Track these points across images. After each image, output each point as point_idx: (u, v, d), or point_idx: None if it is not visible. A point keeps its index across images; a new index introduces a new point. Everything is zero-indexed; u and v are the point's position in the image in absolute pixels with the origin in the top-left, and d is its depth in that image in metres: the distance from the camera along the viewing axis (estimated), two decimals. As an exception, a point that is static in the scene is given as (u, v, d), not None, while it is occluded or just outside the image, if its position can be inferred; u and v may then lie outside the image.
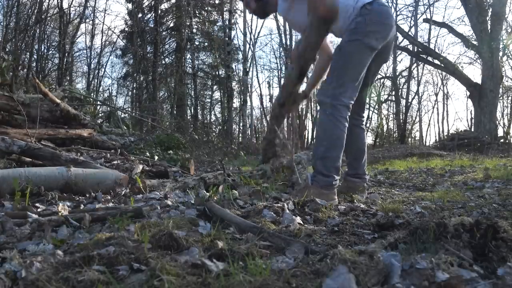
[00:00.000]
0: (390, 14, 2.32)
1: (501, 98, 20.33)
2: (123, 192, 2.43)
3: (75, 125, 5.30)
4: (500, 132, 14.85)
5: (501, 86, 14.76)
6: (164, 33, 21.27)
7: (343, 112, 2.18)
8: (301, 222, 1.57)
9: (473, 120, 14.57)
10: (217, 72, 20.78)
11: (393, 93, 22.83)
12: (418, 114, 25.08)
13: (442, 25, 16.80)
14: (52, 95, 5.15)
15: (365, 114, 2.65)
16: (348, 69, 2.21)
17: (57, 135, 4.76)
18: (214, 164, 5.35)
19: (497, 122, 14.88)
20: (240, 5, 18.81)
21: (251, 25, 29.05)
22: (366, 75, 2.33)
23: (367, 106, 23.46)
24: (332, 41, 2.82)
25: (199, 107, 22.52)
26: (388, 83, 24.00)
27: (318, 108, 2.41)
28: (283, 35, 19.27)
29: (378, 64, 2.49)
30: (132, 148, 5.85)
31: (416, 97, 23.27)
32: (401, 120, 20.31)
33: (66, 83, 16.83)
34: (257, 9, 2.48)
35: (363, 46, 2.19)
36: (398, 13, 21.55)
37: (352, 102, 2.23)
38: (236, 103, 21.11)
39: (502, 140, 12.28)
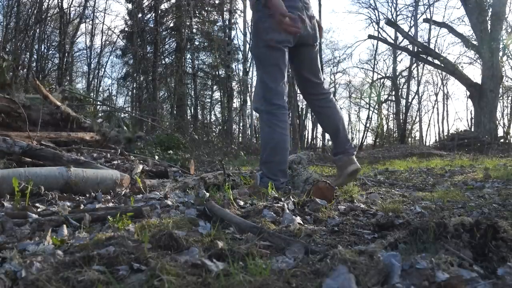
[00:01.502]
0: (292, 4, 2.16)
1: (501, 98, 20.35)
2: (123, 192, 2.43)
3: (75, 128, 5.30)
4: (500, 132, 14.87)
5: (501, 86, 14.76)
6: (164, 33, 21.28)
7: (279, 115, 2.19)
8: (301, 222, 1.57)
9: (473, 120, 14.57)
10: (217, 72, 20.79)
11: (393, 93, 22.85)
12: (418, 114, 25.11)
13: (442, 25, 16.80)
14: (53, 98, 5.16)
15: (325, 87, 2.53)
16: (265, 73, 2.20)
17: (59, 138, 4.76)
18: (214, 164, 5.35)
19: (497, 122, 14.89)
20: (240, 5, 18.85)
21: (251, 25, 29.04)
22: (301, 67, 2.36)
23: (367, 106, 23.32)
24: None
25: (199, 107, 22.54)
26: (388, 83, 24.04)
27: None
28: (283, 35, 19.21)
29: (305, 51, 2.38)
30: (133, 147, 5.86)
31: (416, 97, 23.28)
32: (401, 120, 20.33)
33: (66, 83, 16.82)
34: None
35: (265, 46, 2.15)
36: (398, 13, 21.58)
37: (286, 99, 2.23)
38: (236, 103, 21.14)
39: (502, 140, 12.28)
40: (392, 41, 19.62)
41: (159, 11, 20.40)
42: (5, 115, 4.52)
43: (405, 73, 22.42)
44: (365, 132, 24.11)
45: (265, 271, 0.83)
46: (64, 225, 1.38)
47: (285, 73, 2.25)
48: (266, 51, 2.17)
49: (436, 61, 14.59)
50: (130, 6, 20.72)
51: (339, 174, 2.56)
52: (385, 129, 23.53)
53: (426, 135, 26.66)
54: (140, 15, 20.49)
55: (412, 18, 20.60)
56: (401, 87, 22.66)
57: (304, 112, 20.68)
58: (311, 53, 2.44)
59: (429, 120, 29.89)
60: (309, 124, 23.03)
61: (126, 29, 21.42)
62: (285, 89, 2.25)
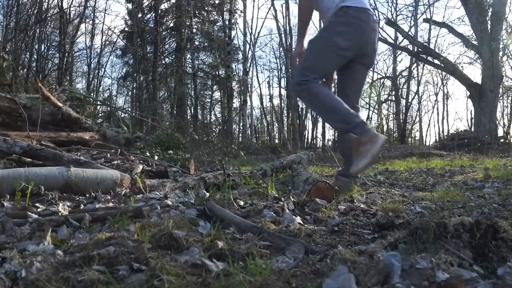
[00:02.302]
0: (366, 19, 2.37)
1: (501, 98, 20.34)
2: (123, 192, 2.43)
3: (76, 128, 5.30)
4: (500, 132, 14.86)
5: (501, 86, 14.75)
6: (164, 33, 21.27)
7: (313, 87, 2.30)
8: (301, 222, 1.57)
9: (473, 120, 14.56)
10: (217, 72, 20.77)
11: (393, 93, 22.84)
12: (418, 114, 25.11)
13: (442, 25, 16.79)
14: (54, 99, 5.16)
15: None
16: (315, 61, 2.36)
17: (58, 138, 4.76)
18: (214, 164, 5.35)
19: (497, 122, 14.88)
20: (240, 5, 18.85)
21: (251, 25, 29.07)
22: (348, 83, 2.55)
23: (367, 106, 23.31)
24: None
25: (199, 107, 22.53)
26: (388, 83, 24.01)
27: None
28: (283, 35, 19.25)
29: (360, 70, 2.56)
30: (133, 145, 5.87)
31: (416, 97, 23.28)
32: (401, 120, 20.33)
33: (66, 83, 16.82)
34: None
35: (330, 43, 2.33)
36: (398, 13, 21.57)
37: (319, 77, 2.36)
38: (236, 103, 21.13)
39: (502, 140, 12.27)
40: (392, 41, 19.60)
41: (159, 11, 20.40)
42: (6, 115, 4.52)
43: (405, 73, 22.42)
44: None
45: (265, 271, 0.83)
46: (64, 225, 1.38)
47: (327, 74, 2.47)
48: (328, 46, 2.34)
49: (436, 61, 14.59)
50: (130, 6, 20.72)
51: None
52: (385, 129, 23.51)
53: (426, 135, 26.68)
54: (140, 15, 20.48)
55: (412, 18, 20.59)
56: (401, 87, 22.66)
57: (304, 112, 20.66)
58: (362, 75, 2.62)
59: (429, 120, 29.96)
60: (309, 124, 23.01)
61: (126, 29, 21.42)
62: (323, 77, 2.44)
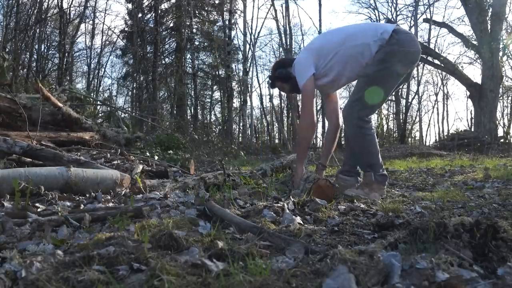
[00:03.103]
0: (415, 40, 2.50)
1: (501, 98, 20.34)
2: (123, 192, 2.43)
3: (76, 128, 5.30)
4: (500, 132, 14.85)
5: (501, 86, 14.75)
6: (164, 33, 21.26)
7: (369, 125, 2.50)
8: (301, 222, 1.57)
9: (473, 120, 14.57)
10: (217, 72, 20.77)
11: (393, 93, 22.82)
12: (418, 114, 25.11)
13: (442, 25, 16.80)
14: (54, 99, 5.15)
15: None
16: (377, 93, 2.44)
17: (58, 138, 4.76)
18: (214, 164, 5.35)
19: (497, 122, 14.88)
20: (240, 5, 18.85)
21: (251, 25, 29.04)
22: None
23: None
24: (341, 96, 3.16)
25: (199, 107, 22.53)
26: (388, 83, 23.96)
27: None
28: (283, 35, 19.26)
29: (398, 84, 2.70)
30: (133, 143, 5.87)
31: (416, 97, 23.27)
32: (401, 120, 20.32)
33: (66, 83, 16.81)
34: (290, 87, 2.75)
35: (392, 73, 2.42)
36: (398, 13, 21.57)
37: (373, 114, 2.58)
38: (236, 103, 21.13)
39: (502, 140, 12.27)
40: (392, 41, 19.58)
41: (159, 11, 20.39)
42: (6, 115, 4.52)
43: (405, 73, 22.40)
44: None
45: (265, 271, 0.83)
46: (64, 225, 1.38)
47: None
48: (390, 77, 2.45)
49: (436, 61, 14.59)
50: (130, 6, 20.72)
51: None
52: (385, 129, 23.51)
53: (426, 135, 26.68)
54: (140, 15, 20.48)
55: (412, 18, 20.59)
56: (401, 87, 22.65)
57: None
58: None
59: (429, 120, 29.93)
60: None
61: (126, 29, 21.42)
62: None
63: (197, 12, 20.82)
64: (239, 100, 20.57)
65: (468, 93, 13.71)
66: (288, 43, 19.15)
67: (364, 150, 2.52)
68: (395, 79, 2.46)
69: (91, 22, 21.43)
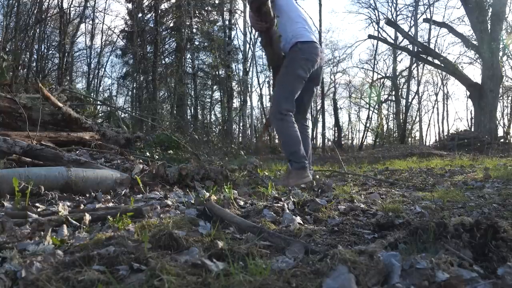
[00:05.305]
0: (316, 49, 3.04)
1: (501, 98, 20.34)
2: (123, 192, 2.43)
3: (76, 128, 5.29)
4: (500, 132, 14.87)
5: (501, 86, 14.75)
6: (164, 33, 21.26)
7: (289, 118, 2.92)
8: (301, 222, 1.57)
9: (473, 120, 14.57)
10: (217, 72, 20.77)
11: (393, 93, 22.85)
12: (418, 114, 25.10)
13: (442, 25, 16.81)
14: (54, 99, 5.14)
15: (309, 124, 3.64)
16: (284, 91, 2.99)
17: (58, 138, 4.76)
18: (213, 164, 5.34)
19: (497, 122, 14.89)
20: (240, 5, 18.83)
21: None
22: (302, 95, 3.08)
23: (367, 106, 23.35)
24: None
25: (199, 107, 22.53)
26: (388, 83, 24.04)
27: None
28: (283, 35, 19.20)
29: (310, 86, 3.22)
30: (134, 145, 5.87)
31: (416, 97, 23.28)
32: (401, 120, 20.33)
33: (66, 83, 16.80)
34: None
35: (295, 75, 2.96)
36: (398, 13, 21.59)
37: (293, 109, 2.96)
38: (236, 103, 21.12)
39: (502, 140, 12.29)
40: (392, 41, 19.62)
41: (159, 11, 20.39)
42: (6, 115, 4.51)
43: (405, 73, 22.42)
44: (365, 132, 24.13)
45: (265, 271, 0.83)
46: (64, 225, 1.38)
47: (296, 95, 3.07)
48: (294, 77, 3.00)
49: (436, 61, 14.60)
50: (130, 6, 20.72)
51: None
52: (385, 129, 23.51)
53: (426, 135, 26.68)
54: (140, 15, 20.48)
55: (412, 18, 20.62)
56: (401, 87, 22.67)
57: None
58: (313, 91, 3.37)
59: (429, 120, 29.90)
60: (308, 124, 23.00)
61: (126, 29, 21.42)
62: (293, 106, 3.03)
63: (197, 12, 20.82)
64: (239, 100, 20.58)
65: (468, 93, 13.71)
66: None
67: (285, 140, 2.97)
68: (300, 81, 2.98)
69: (91, 22, 21.45)
